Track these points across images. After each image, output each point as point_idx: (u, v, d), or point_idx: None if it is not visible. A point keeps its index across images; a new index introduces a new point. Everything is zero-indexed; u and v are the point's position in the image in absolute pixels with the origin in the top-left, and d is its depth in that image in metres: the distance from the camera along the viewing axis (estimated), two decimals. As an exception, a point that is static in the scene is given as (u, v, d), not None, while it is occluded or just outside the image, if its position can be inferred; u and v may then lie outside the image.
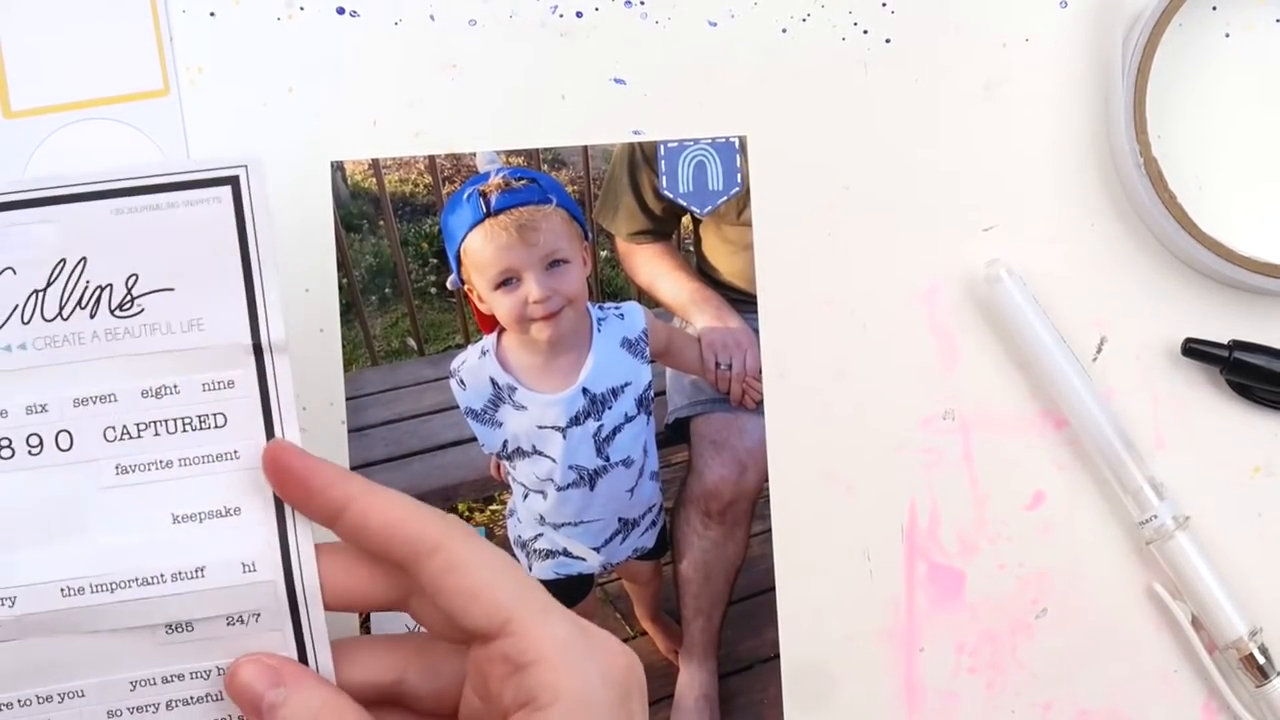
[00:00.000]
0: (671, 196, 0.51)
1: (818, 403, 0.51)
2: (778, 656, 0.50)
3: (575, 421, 0.51)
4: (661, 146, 0.51)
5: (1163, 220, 0.48)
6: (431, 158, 0.51)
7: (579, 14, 0.51)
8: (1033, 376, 0.50)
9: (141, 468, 0.37)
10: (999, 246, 0.50)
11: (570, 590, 0.51)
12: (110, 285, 0.37)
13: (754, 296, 0.51)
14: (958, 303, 0.50)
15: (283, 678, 0.36)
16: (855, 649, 0.50)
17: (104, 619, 0.37)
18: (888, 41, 0.50)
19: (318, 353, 0.51)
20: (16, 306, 0.37)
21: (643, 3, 0.51)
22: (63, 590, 0.37)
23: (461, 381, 0.51)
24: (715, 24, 0.51)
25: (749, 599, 0.51)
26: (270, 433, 0.38)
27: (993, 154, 0.50)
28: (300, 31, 0.50)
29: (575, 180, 0.51)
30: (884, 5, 0.50)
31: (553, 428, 0.51)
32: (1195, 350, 0.49)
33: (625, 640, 0.51)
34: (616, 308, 0.51)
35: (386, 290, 0.51)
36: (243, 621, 0.38)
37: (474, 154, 0.51)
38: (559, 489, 0.51)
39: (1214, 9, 0.50)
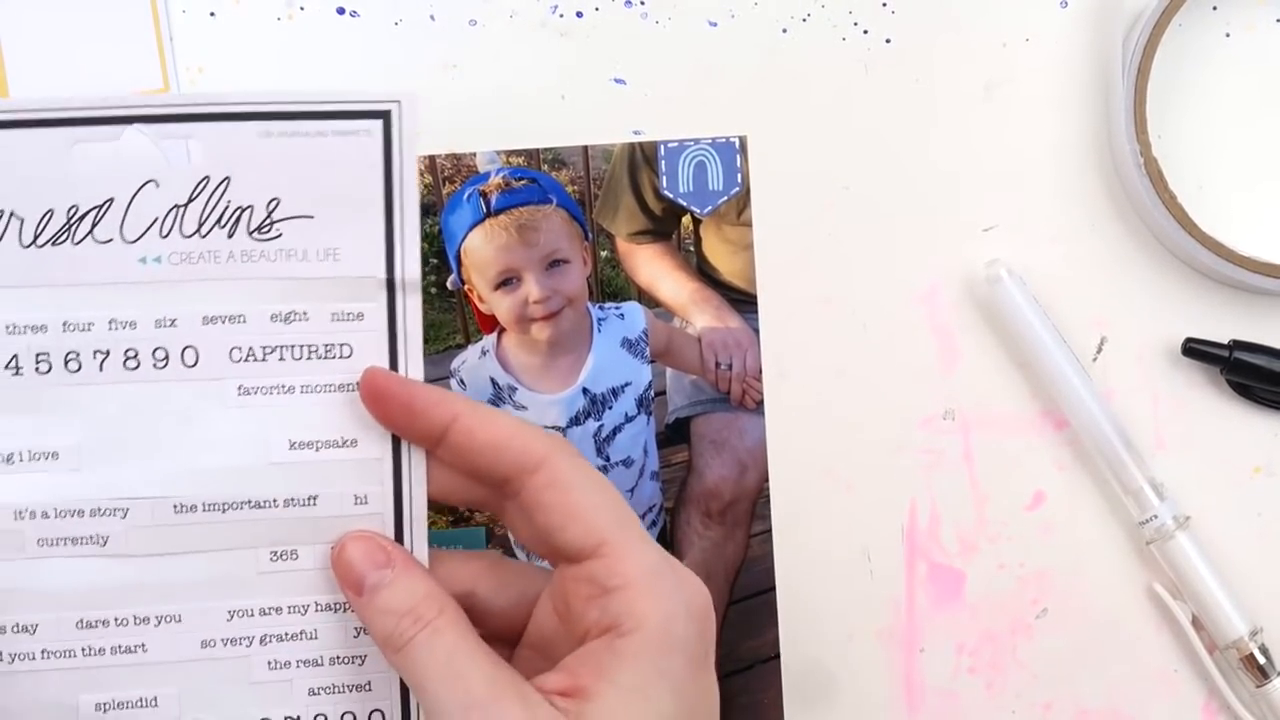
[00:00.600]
0: (671, 196, 0.51)
1: (818, 403, 0.51)
2: (778, 656, 0.50)
3: (575, 421, 0.51)
4: (661, 146, 0.51)
5: (1163, 220, 0.48)
6: (431, 158, 0.51)
7: (579, 14, 0.51)
8: (1033, 376, 0.50)
9: (264, 390, 0.37)
10: (999, 246, 0.50)
11: (570, 590, 0.51)
12: (251, 207, 0.37)
13: (754, 296, 0.51)
14: (958, 303, 0.50)
15: (391, 559, 0.36)
16: (855, 649, 0.50)
17: (212, 539, 0.37)
18: (888, 41, 0.50)
19: (318, 353, 0.51)
20: (156, 219, 0.36)
21: (643, 3, 0.50)
22: (175, 507, 0.36)
23: (461, 381, 0.51)
24: (715, 24, 0.51)
25: (749, 599, 0.51)
26: (395, 369, 0.38)
27: (993, 154, 0.50)
28: (300, 31, 0.50)
29: (575, 180, 0.51)
30: (884, 5, 0.50)
31: (553, 428, 0.51)
32: (1195, 350, 0.49)
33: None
34: (616, 308, 0.51)
35: (386, 290, 0.51)
36: None
37: (474, 154, 0.51)
38: (559, 489, 0.51)
39: (1214, 9, 0.50)
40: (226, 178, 0.37)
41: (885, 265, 0.51)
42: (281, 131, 0.36)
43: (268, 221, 0.37)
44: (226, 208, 0.37)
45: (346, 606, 0.38)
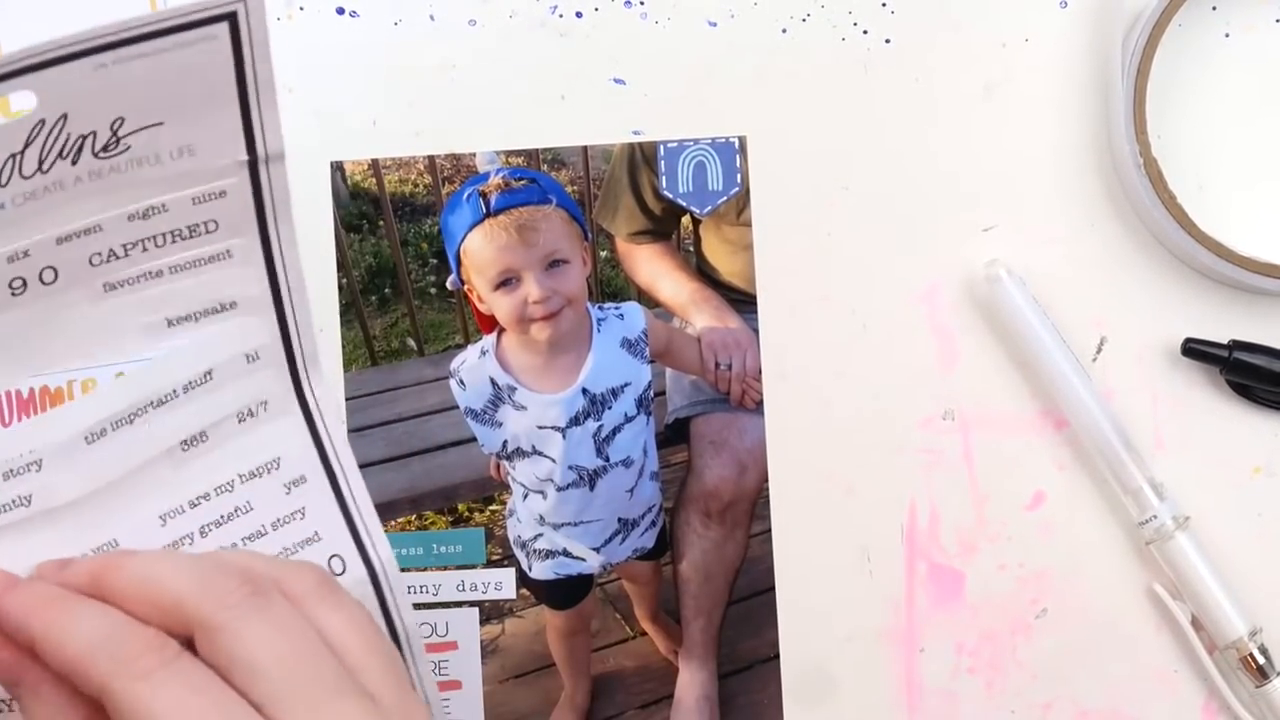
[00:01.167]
0: (671, 196, 0.51)
1: (818, 403, 0.51)
2: (778, 656, 0.50)
3: (575, 421, 0.51)
4: (661, 146, 0.51)
5: (1163, 220, 0.48)
6: (431, 158, 0.51)
7: (579, 14, 0.51)
8: (1033, 376, 0.50)
9: (130, 281, 0.36)
10: (999, 246, 0.50)
11: (570, 590, 0.51)
12: (94, 133, 0.35)
13: (754, 296, 0.51)
14: (958, 303, 0.50)
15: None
16: (855, 649, 0.50)
17: (126, 454, 0.36)
18: (888, 41, 0.50)
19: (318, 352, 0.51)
20: None
21: (643, 3, 0.50)
22: (86, 438, 0.35)
23: (461, 381, 0.51)
24: (715, 24, 0.51)
25: (749, 599, 0.51)
26: (264, 233, 0.37)
27: (993, 154, 0.50)
28: (300, 31, 0.50)
29: (575, 180, 0.51)
30: (884, 5, 0.50)
31: (552, 428, 0.51)
32: (1195, 350, 0.49)
33: (625, 641, 0.51)
34: (616, 308, 0.51)
35: (386, 290, 0.51)
36: (252, 414, 0.37)
37: (474, 154, 0.51)
38: (559, 489, 0.51)
39: (1214, 9, 0.50)
40: (63, 115, 0.34)
41: (885, 265, 0.50)
42: (117, 59, 0.34)
43: (113, 140, 0.35)
44: (67, 140, 0.35)
45: (268, 469, 0.37)
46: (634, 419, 0.51)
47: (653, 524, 0.51)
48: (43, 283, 0.35)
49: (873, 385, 0.51)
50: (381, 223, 0.51)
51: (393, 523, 0.51)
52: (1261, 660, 0.48)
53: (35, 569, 0.33)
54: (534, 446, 0.51)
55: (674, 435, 0.51)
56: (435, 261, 0.51)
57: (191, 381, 0.36)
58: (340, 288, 0.51)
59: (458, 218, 0.50)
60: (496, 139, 0.51)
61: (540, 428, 0.51)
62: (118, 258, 0.36)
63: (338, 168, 0.51)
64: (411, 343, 0.51)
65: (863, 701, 0.50)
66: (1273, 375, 0.49)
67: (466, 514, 0.51)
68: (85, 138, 0.35)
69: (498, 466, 0.51)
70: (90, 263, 0.35)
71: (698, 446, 0.51)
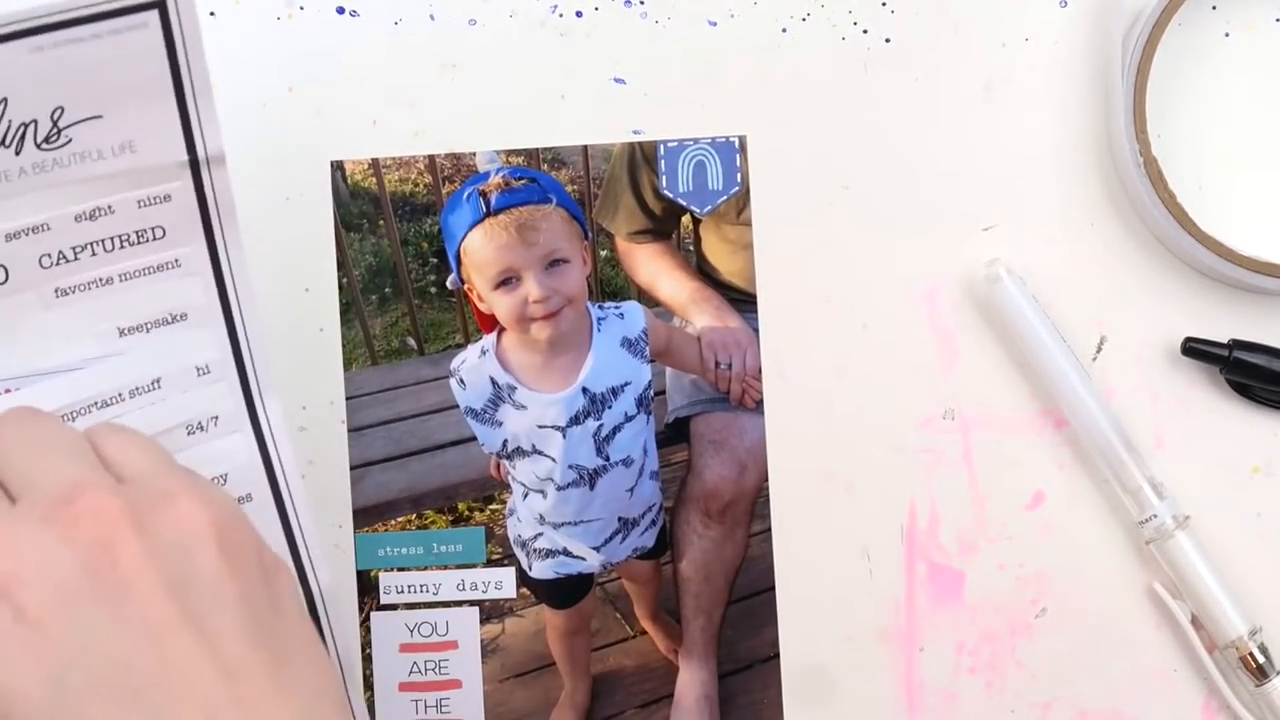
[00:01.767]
0: (671, 196, 0.51)
1: (818, 403, 0.50)
2: (778, 656, 0.50)
3: (575, 421, 0.51)
4: (661, 146, 0.51)
5: (1163, 220, 0.48)
6: (431, 157, 0.51)
7: (579, 14, 0.51)
8: (1033, 376, 0.50)
9: (81, 287, 0.37)
10: (999, 246, 0.50)
11: (570, 590, 0.51)
12: (35, 121, 0.35)
13: (754, 296, 0.51)
14: (958, 303, 0.50)
15: None
16: (855, 649, 0.50)
17: None
18: (888, 41, 0.50)
19: (318, 353, 0.51)
20: None
21: (643, 2, 0.51)
22: None
23: (461, 381, 0.51)
24: (715, 24, 0.51)
25: (749, 599, 0.51)
26: (211, 241, 0.37)
27: (993, 154, 0.50)
28: (300, 31, 0.50)
29: (575, 180, 0.51)
30: (884, 5, 0.50)
31: (553, 427, 0.51)
32: (1195, 350, 0.49)
33: (625, 640, 0.51)
34: (616, 307, 0.51)
35: (386, 290, 0.51)
36: (202, 428, 0.37)
37: (474, 154, 0.51)
38: (559, 488, 0.51)
39: (1214, 8, 0.50)
40: (4, 99, 0.35)
41: (885, 265, 0.51)
42: (54, 43, 0.35)
43: (55, 131, 0.36)
44: (8, 127, 0.35)
45: (214, 482, 0.37)
46: (634, 418, 0.51)
47: (653, 523, 0.51)
48: None
49: (873, 385, 0.51)
50: (381, 222, 0.51)
51: (393, 522, 0.51)
52: (1261, 659, 0.48)
53: None
54: (534, 446, 0.51)
55: (674, 435, 0.51)
56: (435, 261, 0.51)
57: (138, 388, 0.37)
58: (340, 287, 0.51)
59: (458, 217, 0.50)
60: (496, 139, 0.51)
61: (540, 427, 0.51)
62: (67, 260, 0.36)
63: (338, 168, 0.51)
64: (411, 342, 0.51)
65: (863, 701, 0.50)
66: (1273, 375, 0.49)
67: (466, 514, 0.51)
68: (27, 126, 0.35)
69: (498, 466, 0.51)
70: (40, 264, 0.36)
71: (698, 446, 0.51)
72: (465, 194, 0.50)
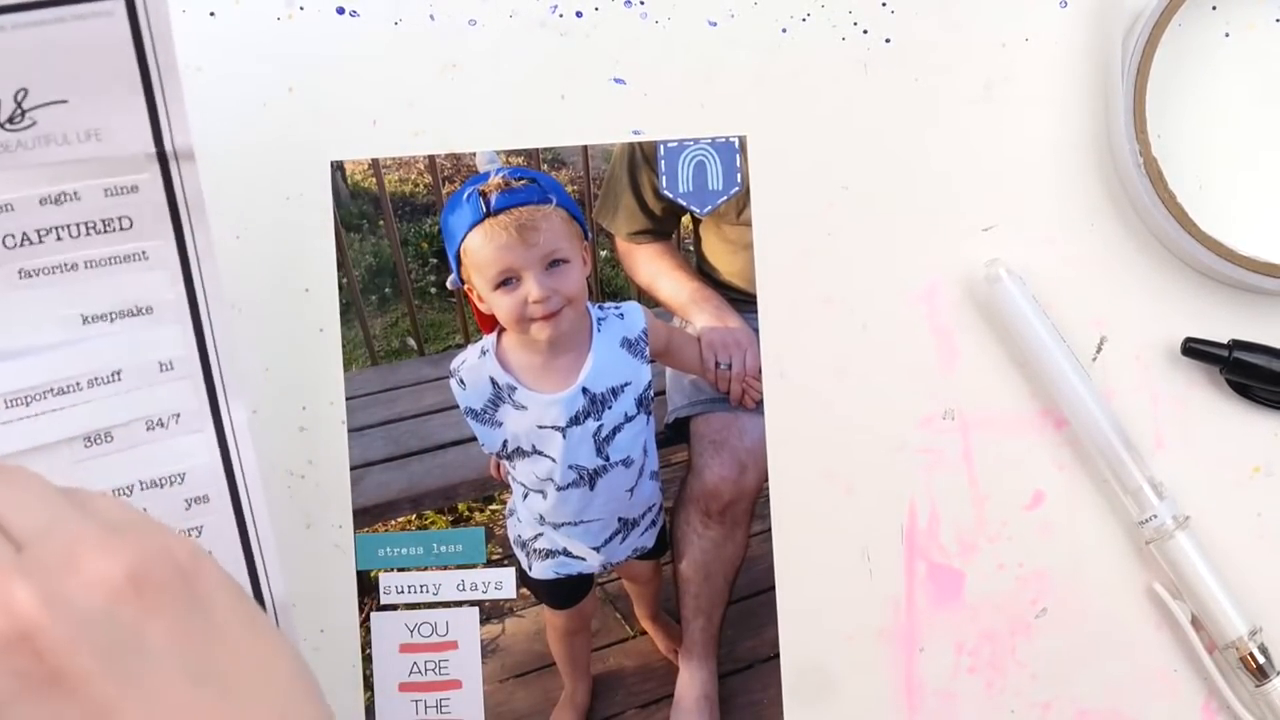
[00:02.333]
0: (671, 196, 0.51)
1: (818, 403, 0.50)
2: (778, 656, 0.50)
3: (575, 421, 0.51)
4: (661, 146, 0.51)
5: (1163, 220, 0.48)
6: (431, 157, 0.51)
7: (579, 14, 0.51)
8: (1033, 376, 0.50)
9: (46, 271, 0.37)
10: (999, 246, 0.50)
11: (570, 590, 0.51)
12: None
13: (754, 296, 0.51)
14: (958, 303, 0.50)
15: None
16: (855, 649, 0.50)
17: (20, 436, 0.36)
18: (888, 41, 0.50)
19: (318, 353, 0.51)
20: None
21: (643, 3, 0.51)
22: None
23: (461, 381, 0.51)
24: (715, 24, 0.51)
25: (749, 599, 0.51)
26: (180, 236, 0.37)
27: (993, 154, 0.50)
28: (300, 31, 0.50)
29: (575, 180, 0.51)
30: (884, 5, 0.50)
31: (553, 427, 0.51)
32: (1195, 350, 0.49)
33: (625, 640, 0.51)
34: (616, 307, 0.51)
35: (386, 290, 0.51)
36: (163, 425, 0.37)
37: (474, 154, 0.51)
38: (559, 489, 0.51)
39: (1214, 9, 0.50)
40: None
41: (885, 265, 0.50)
42: (15, 24, 0.35)
43: (18, 112, 0.36)
44: None
45: (170, 482, 0.37)
46: (634, 418, 0.51)
47: (653, 523, 0.51)
48: None
49: (873, 385, 0.51)
50: (381, 223, 0.51)
51: (393, 522, 0.51)
52: (1261, 660, 0.48)
53: None
54: (534, 446, 0.51)
55: (674, 435, 0.51)
56: (435, 261, 0.51)
57: (98, 378, 0.37)
58: (340, 288, 0.51)
59: (458, 217, 0.50)
60: (496, 139, 0.51)
61: (540, 427, 0.51)
62: (31, 243, 0.36)
63: (338, 168, 0.51)
64: (411, 342, 0.51)
65: (863, 701, 0.50)
66: (1273, 375, 0.49)
67: (466, 514, 0.51)
68: None
69: (498, 466, 0.51)
70: (4, 244, 0.36)
71: (698, 446, 0.51)
72: (465, 194, 0.50)
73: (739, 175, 0.51)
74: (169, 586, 0.31)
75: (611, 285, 0.52)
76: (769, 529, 0.50)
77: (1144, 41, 0.48)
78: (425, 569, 0.51)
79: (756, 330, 0.51)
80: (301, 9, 0.50)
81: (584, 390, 0.51)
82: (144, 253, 0.37)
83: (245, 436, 0.38)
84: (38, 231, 0.36)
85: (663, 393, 0.51)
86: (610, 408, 0.51)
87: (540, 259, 0.50)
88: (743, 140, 0.51)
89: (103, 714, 0.29)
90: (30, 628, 0.29)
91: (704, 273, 0.51)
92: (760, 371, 0.51)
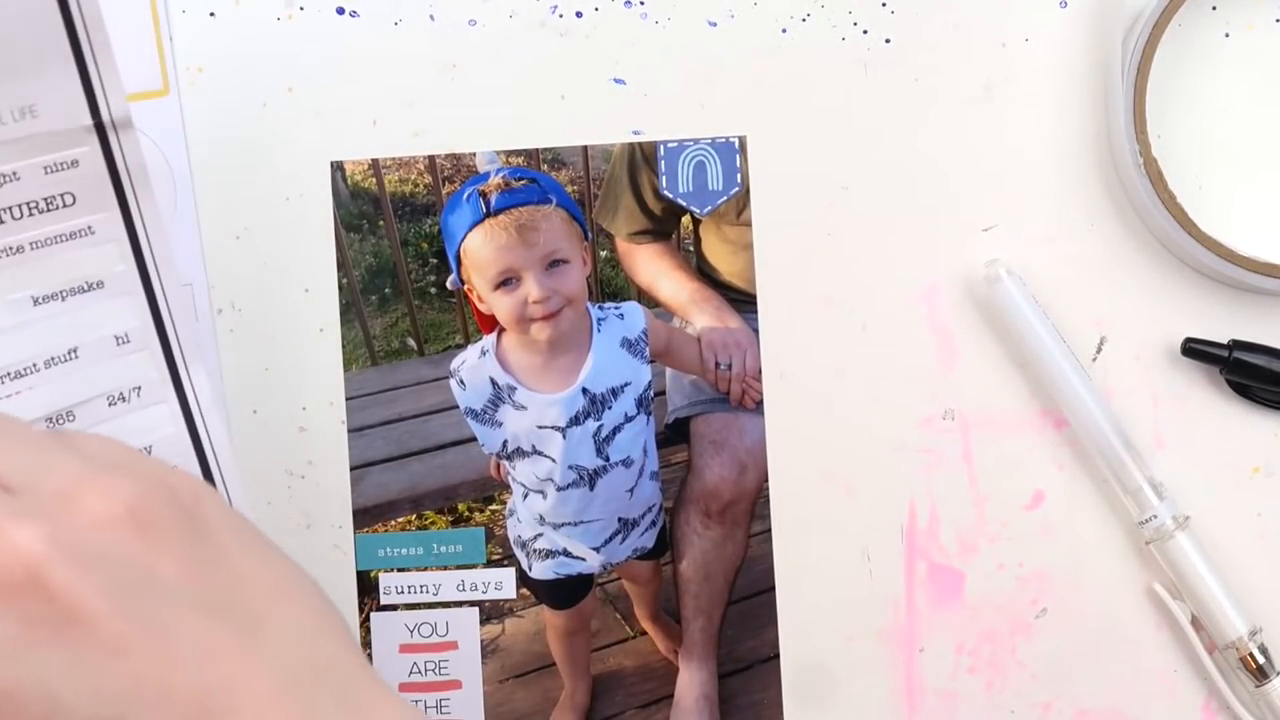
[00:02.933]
0: (671, 196, 0.51)
1: (818, 403, 0.50)
2: (778, 656, 0.50)
3: (575, 421, 0.51)
4: (661, 146, 0.51)
5: (1163, 220, 0.48)
6: (431, 158, 0.51)
7: (579, 14, 0.51)
8: (1033, 376, 0.50)
9: None
10: (999, 246, 0.50)
11: (570, 590, 0.51)
12: None
13: (754, 296, 0.51)
14: (958, 303, 0.50)
15: None
16: (855, 649, 0.50)
17: None
18: (888, 41, 0.50)
19: (318, 353, 0.51)
20: None
21: (643, 3, 0.50)
22: None
23: (461, 381, 0.51)
24: (715, 24, 0.51)
25: (749, 599, 0.51)
26: (125, 208, 0.37)
27: (993, 154, 0.50)
28: (300, 31, 0.50)
29: (575, 180, 0.51)
30: (884, 5, 0.50)
31: (552, 428, 0.51)
32: (1195, 350, 0.49)
33: (625, 640, 0.51)
34: (616, 308, 0.51)
35: (386, 290, 0.51)
36: (124, 399, 0.37)
37: (474, 154, 0.51)
38: (559, 489, 0.51)
39: (1214, 9, 0.50)
40: None
41: (885, 265, 0.50)
42: None
43: None
44: None
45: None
46: (634, 419, 0.51)
47: (653, 524, 0.51)
48: None
49: (873, 385, 0.51)
50: (381, 223, 0.51)
51: (393, 523, 0.51)
52: (1261, 660, 0.48)
53: None
54: (534, 446, 0.51)
55: (674, 435, 0.51)
56: (435, 261, 0.51)
57: (54, 358, 0.36)
58: (340, 288, 0.51)
59: (458, 218, 0.50)
60: (496, 139, 0.51)
61: (540, 427, 0.51)
62: None
63: (338, 168, 0.51)
64: (411, 343, 0.51)
65: (863, 701, 0.50)
66: (1273, 375, 0.49)
67: (466, 514, 0.51)
68: None
69: (498, 466, 0.51)
70: None
71: (698, 446, 0.51)
72: (465, 194, 0.50)
73: (739, 175, 0.51)
74: (172, 520, 0.30)
75: (611, 285, 0.52)
76: (769, 529, 0.50)
77: (1144, 41, 0.48)
78: (425, 569, 0.51)
79: (756, 330, 0.51)
80: (301, 9, 0.50)
81: (584, 390, 0.51)
82: (89, 228, 0.37)
83: (210, 404, 0.37)
84: None
85: (663, 393, 0.51)
86: (610, 408, 0.51)
87: (540, 259, 0.50)
88: (743, 140, 0.51)
89: (120, 652, 0.28)
90: (38, 570, 0.28)
91: (704, 273, 0.51)
92: (760, 372, 0.51)
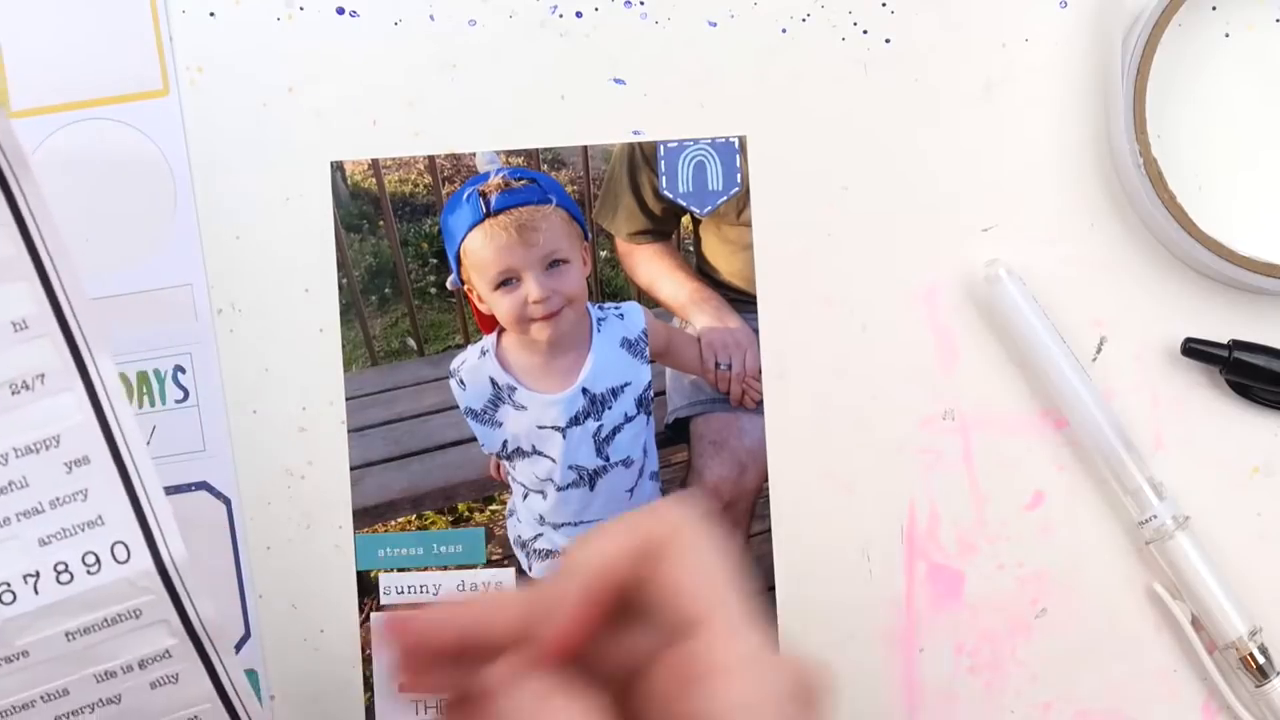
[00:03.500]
0: (671, 196, 0.51)
1: (818, 403, 0.51)
2: (777, 656, 0.50)
3: (575, 421, 0.51)
4: (661, 146, 0.51)
5: (1163, 220, 0.48)
6: (431, 158, 0.51)
7: (579, 14, 0.51)
8: (1033, 376, 0.50)
9: None
10: (999, 246, 0.50)
11: (570, 590, 0.51)
12: None
13: (754, 296, 0.51)
14: (958, 303, 0.50)
15: None
16: (855, 649, 0.50)
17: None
18: (888, 41, 0.50)
19: (317, 353, 0.51)
20: None
21: (643, 3, 0.51)
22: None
23: (461, 381, 0.51)
24: (715, 24, 0.51)
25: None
26: (8, 193, 0.36)
27: (993, 154, 0.50)
28: (300, 31, 0.50)
29: (575, 180, 0.51)
30: (884, 5, 0.50)
31: (552, 428, 0.51)
32: (1195, 350, 0.49)
33: (625, 640, 0.51)
34: (616, 308, 0.51)
35: (386, 290, 0.51)
36: (28, 387, 0.36)
37: (474, 154, 0.51)
38: (559, 489, 0.51)
39: (1214, 9, 0.50)
40: None
41: (885, 265, 0.51)
42: None
43: None
44: None
45: (46, 446, 0.36)
46: (634, 419, 0.51)
47: (653, 524, 0.51)
48: None
49: (873, 385, 0.51)
50: (381, 223, 0.51)
51: (393, 523, 0.51)
52: (1261, 660, 0.48)
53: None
54: (534, 446, 0.51)
55: (674, 435, 0.51)
56: (435, 261, 0.51)
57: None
58: (340, 288, 0.51)
59: (458, 218, 0.50)
60: (496, 139, 0.51)
61: (540, 427, 0.51)
62: None
63: (338, 168, 0.51)
64: (411, 343, 0.51)
65: (862, 701, 0.50)
66: (1273, 375, 0.49)
67: (466, 514, 0.51)
68: None
69: (498, 466, 0.51)
70: None
71: (698, 446, 0.51)
72: (465, 194, 0.50)
73: (739, 175, 0.51)
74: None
75: (611, 285, 0.52)
76: (769, 529, 0.50)
77: (1144, 42, 0.48)
78: (425, 569, 0.51)
79: (756, 330, 0.51)
80: (301, 9, 0.50)
81: (584, 390, 0.51)
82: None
83: (117, 391, 0.36)
84: None
85: (663, 393, 0.51)
86: (610, 408, 0.51)
87: (540, 259, 0.50)
88: (743, 140, 0.51)
89: None
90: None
91: (704, 273, 0.51)
92: (760, 372, 0.51)
